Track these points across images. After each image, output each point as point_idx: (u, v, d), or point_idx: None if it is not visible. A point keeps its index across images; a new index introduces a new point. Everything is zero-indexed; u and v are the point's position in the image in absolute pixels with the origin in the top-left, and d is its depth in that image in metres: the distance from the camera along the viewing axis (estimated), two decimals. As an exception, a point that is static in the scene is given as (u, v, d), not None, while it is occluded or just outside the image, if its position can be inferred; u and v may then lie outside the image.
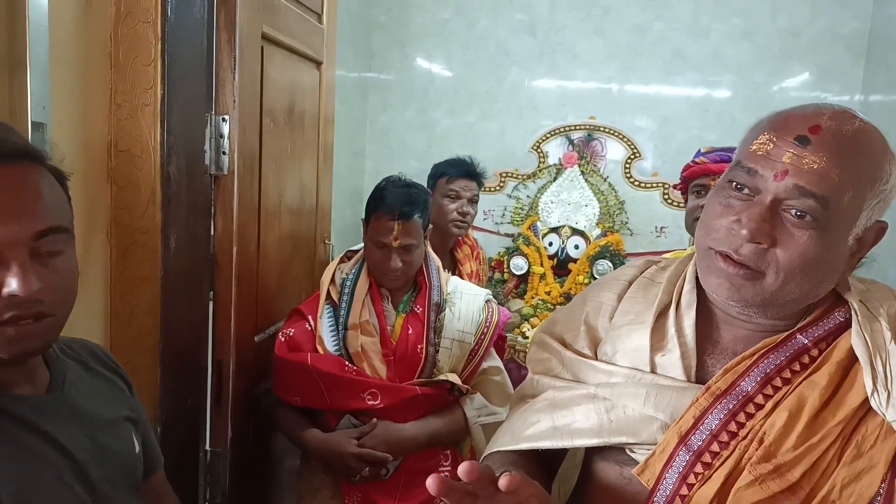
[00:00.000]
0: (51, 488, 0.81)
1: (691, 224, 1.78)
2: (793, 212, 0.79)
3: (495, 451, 0.99)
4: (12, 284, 0.75)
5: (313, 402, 1.59)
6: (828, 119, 0.79)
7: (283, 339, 1.62)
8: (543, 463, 1.04)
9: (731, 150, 1.71)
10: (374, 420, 1.57)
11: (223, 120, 1.42)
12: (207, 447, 1.49)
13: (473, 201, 2.50)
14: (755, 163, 0.82)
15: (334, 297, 1.65)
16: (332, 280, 1.68)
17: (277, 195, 1.71)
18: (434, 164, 2.58)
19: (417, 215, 1.64)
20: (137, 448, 0.97)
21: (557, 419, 0.91)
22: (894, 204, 0.87)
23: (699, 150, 1.84)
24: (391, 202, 1.62)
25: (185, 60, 1.36)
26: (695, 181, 1.80)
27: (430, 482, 0.67)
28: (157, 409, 1.40)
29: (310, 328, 1.62)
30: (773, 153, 0.80)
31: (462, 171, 2.48)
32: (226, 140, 1.42)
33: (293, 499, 1.73)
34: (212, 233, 1.46)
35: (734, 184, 0.84)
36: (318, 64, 1.95)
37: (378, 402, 1.55)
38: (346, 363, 1.57)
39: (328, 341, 1.61)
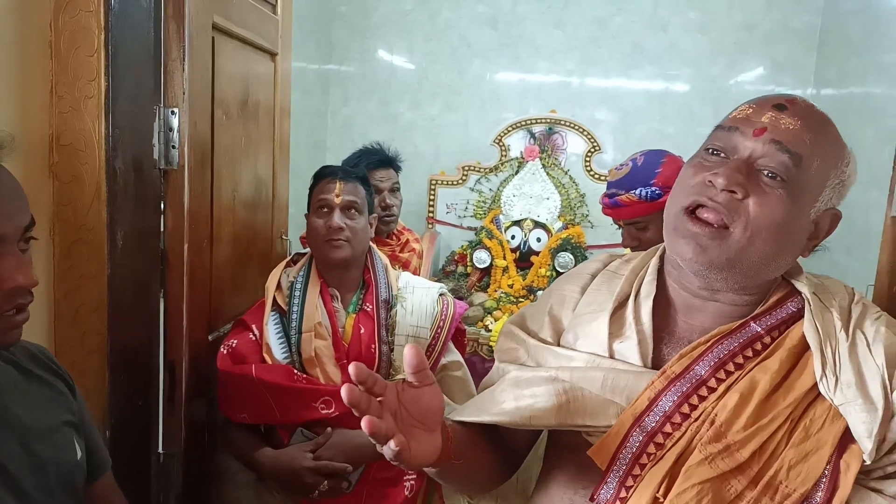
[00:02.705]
0: None
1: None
2: (766, 172, 0.83)
3: (458, 420, 0.99)
4: (17, 276, 0.79)
5: (262, 417, 1.51)
6: (801, 99, 0.88)
7: (225, 352, 1.52)
8: (507, 450, 1.05)
9: (623, 179, 1.65)
10: (329, 429, 1.49)
11: (172, 113, 1.37)
12: (160, 450, 1.45)
13: (394, 191, 2.27)
14: (736, 122, 0.87)
15: (281, 303, 1.57)
16: (279, 285, 1.60)
17: (231, 189, 1.67)
18: (343, 161, 2.30)
19: (359, 183, 1.62)
20: (79, 454, 0.94)
21: (519, 399, 0.92)
22: (848, 197, 0.90)
23: (609, 172, 1.78)
24: (332, 168, 1.66)
25: (131, 51, 1.31)
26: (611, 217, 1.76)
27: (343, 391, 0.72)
28: (106, 411, 1.36)
29: (254, 338, 1.54)
30: (752, 116, 0.87)
31: (375, 161, 2.22)
32: (175, 133, 1.38)
33: (252, 501, 1.69)
34: (162, 229, 1.42)
35: (710, 149, 0.89)
36: (273, 55, 1.91)
37: (332, 410, 1.46)
38: (295, 372, 1.49)
39: (276, 350, 1.53)
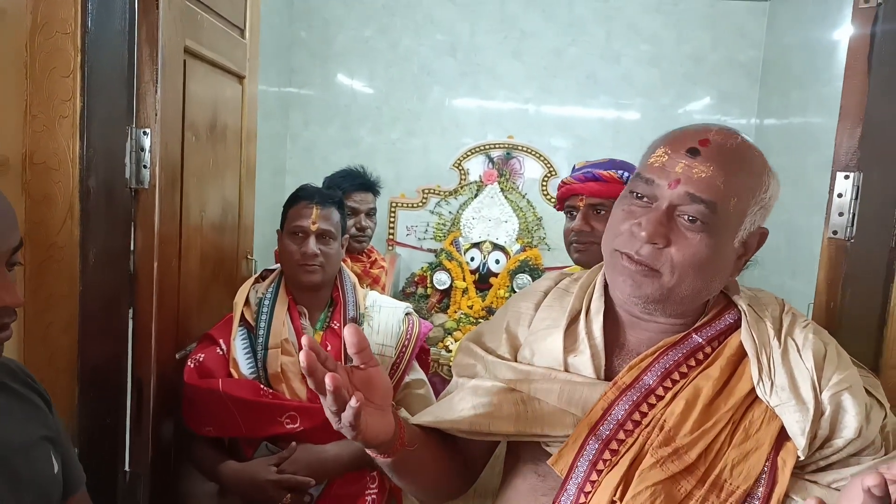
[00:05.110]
0: None
1: (568, 246, 1.69)
2: (685, 217, 0.89)
3: (416, 423, 1.03)
4: (4, 296, 0.81)
5: (227, 430, 1.52)
6: (714, 134, 0.91)
7: (192, 365, 1.53)
8: (462, 459, 1.07)
9: (602, 163, 1.66)
10: (294, 444, 1.51)
11: (144, 133, 1.40)
12: (127, 468, 1.45)
13: (371, 214, 2.35)
14: (652, 173, 0.92)
15: (249, 318, 1.59)
16: (247, 301, 1.62)
17: (199, 210, 1.69)
18: (325, 178, 2.37)
19: (335, 208, 1.65)
20: (56, 469, 0.95)
21: (477, 407, 0.97)
22: (786, 220, 0.97)
23: (574, 167, 1.75)
24: (310, 191, 1.67)
25: (106, 73, 1.34)
26: (567, 202, 1.69)
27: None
28: (74, 429, 1.35)
29: (221, 353, 1.56)
30: (667, 164, 0.91)
31: (358, 183, 2.31)
32: (147, 154, 1.40)
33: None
34: (132, 248, 1.43)
35: (635, 194, 0.94)
36: (241, 78, 1.94)
37: (297, 425, 1.49)
38: (262, 387, 1.51)
39: (243, 365, 1.55)
